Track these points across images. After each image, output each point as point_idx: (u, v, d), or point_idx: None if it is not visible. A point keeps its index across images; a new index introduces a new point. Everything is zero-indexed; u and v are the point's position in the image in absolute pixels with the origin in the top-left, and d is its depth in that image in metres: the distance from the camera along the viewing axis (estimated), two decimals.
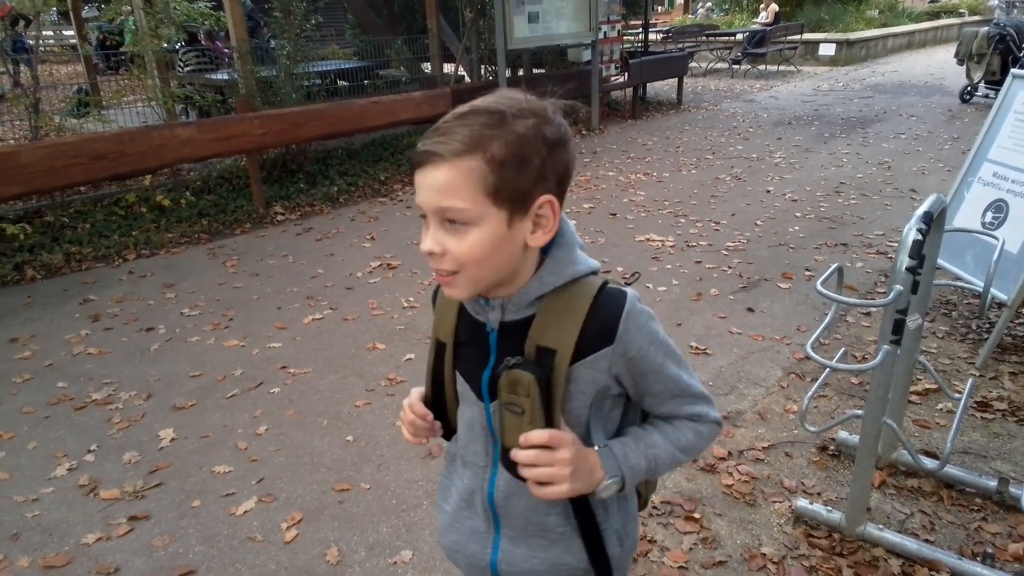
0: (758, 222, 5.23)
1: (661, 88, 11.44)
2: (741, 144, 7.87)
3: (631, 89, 9.77)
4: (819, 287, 1.86)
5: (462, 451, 1.02)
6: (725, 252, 4.65)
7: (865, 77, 12.90)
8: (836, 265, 2.02)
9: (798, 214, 5.39)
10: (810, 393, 2.24)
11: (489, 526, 1.01)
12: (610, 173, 6.82)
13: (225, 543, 2.20)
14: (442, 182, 0.82)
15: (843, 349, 2.50)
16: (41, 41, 16.89)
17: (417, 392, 1.03)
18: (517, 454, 0.88)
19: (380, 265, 4.63)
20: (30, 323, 3.85)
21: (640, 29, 11.35)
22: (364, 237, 5.20)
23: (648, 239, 4.94)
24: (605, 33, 8.66)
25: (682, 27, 14.91)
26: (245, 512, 2.33)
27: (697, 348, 3.39)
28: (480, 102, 0.86)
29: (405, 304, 4.01)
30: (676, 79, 10.49)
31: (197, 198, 5.81)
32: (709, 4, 28.74)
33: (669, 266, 4.44)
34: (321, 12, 7.53)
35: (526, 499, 0.95)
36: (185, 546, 2.19)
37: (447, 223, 0.83)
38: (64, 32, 17.27)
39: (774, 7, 14.47)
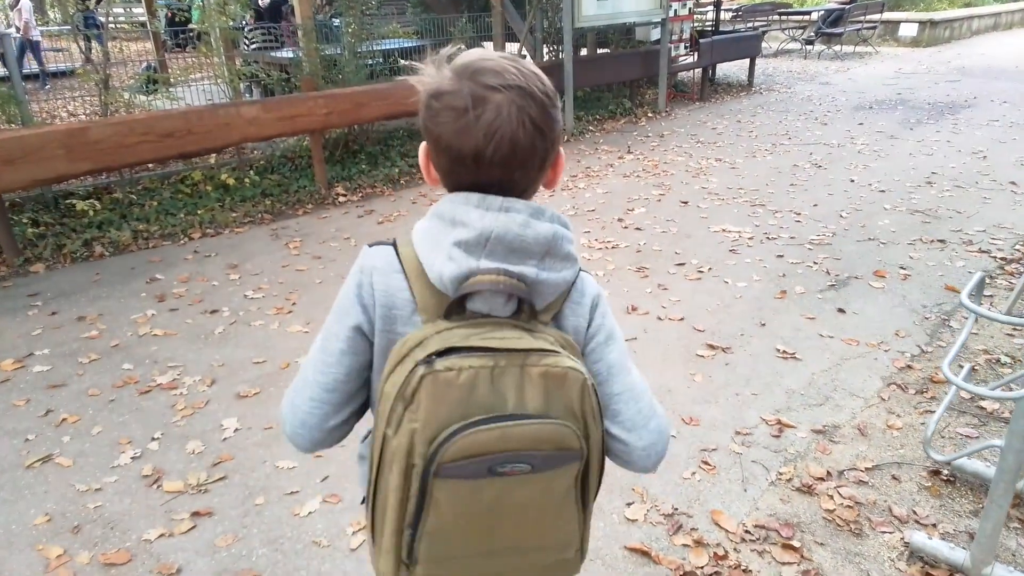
0: (843, 214, 4.89)
1: (730, 69, 10.97)
2: (819, 129, 7.44)
3: (700, 70, 9.37)
4: (965, 301, 1.62)
5: None
6: (809, 246, 4.35)
7: (950, 59, 12.13)
8: (979, 274, 1.76)
9: (887, 206, 5.02)
10: (935, 417, 1.99)
11: None
12: (679, 158, 6.53)
13: (289, 546, 2.10)
14: None
15: (967, 366, 2.24)
16: (111, 18, 17.34)
17: None
18: None
19: None
20: (98, 301, 3.85)
21: (710, 7, 10.87)
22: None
23: (724, 230, 4.66)
24: (676, 11, 8.29)
25: (752, 5, 14.28)
26: (310, 513, 2.23)
27: (785, 352, 3.14)
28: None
29: None
30: (748, 60, 10.01)
31: (260, 177, 5.77)
32: None
33: (748, 260, 4.17)
34: None
35: None
36: (248, 547, 2.10)
37: None
38: (134, 9, 17.65)
39: None
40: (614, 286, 3.87)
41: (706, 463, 2.43)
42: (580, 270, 0.93)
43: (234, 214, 5.19)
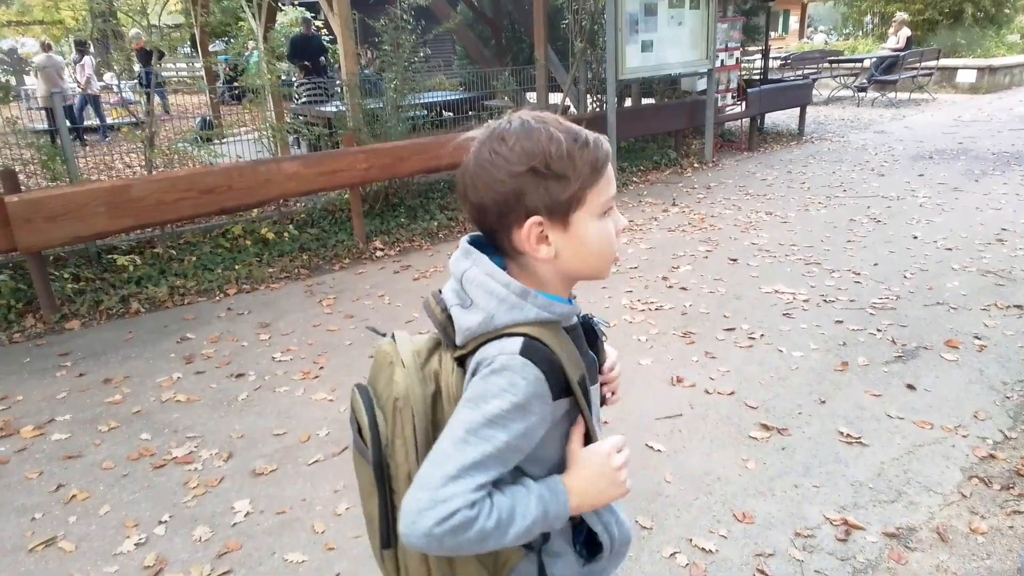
0: (907, 274, 4.56)
1: (779, 118, 10.72)
2: (876, 181, 7.11)
3: (748, 119, 9.16)
4: None
5: None
6: (871, 311, 4.04)
7: (1012, 107, 11.66)
8: None
9: (955, 266, 4.67)
10: None
11: None
12: (727, 211, 6.28)
13: None
14: None
15: None
16: (176, 73, 18.11)
17: (602, 444, 0.97)
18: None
19: None
20: (127, 362, 3.78)
21: (759, 55, 10.71)
22: None
23: (776, 290, 4.39)
24: (723, 61, 8.14)
25: (802, 53, 14.07)
26: None
27: (849, 436, 2.84)
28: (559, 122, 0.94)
29: None
30: (798, 108, 9.77)
31: (299, 231, 5.75)
32: (823, 28, 27.43)
33: (804, 325, 3.88)
34: (430, 43, 7.44)
35: None
36: None
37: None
38: (196, 64, 18.46)
39: (906, 31, 13.38)
40: (657, 353, 3.63)
41: (762, 572, 2.14)
42: (504, 333, 0.90)
43: (271, 269, 5.14)
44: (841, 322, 3.90)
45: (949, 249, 5.01)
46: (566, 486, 0.92)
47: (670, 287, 4.55)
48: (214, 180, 4.80)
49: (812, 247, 5.19)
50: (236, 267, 5.12)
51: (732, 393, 3.20)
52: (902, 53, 12.72)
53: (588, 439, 0.96)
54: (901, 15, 13.61)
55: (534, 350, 0.88)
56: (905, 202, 6.28)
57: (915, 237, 5.30)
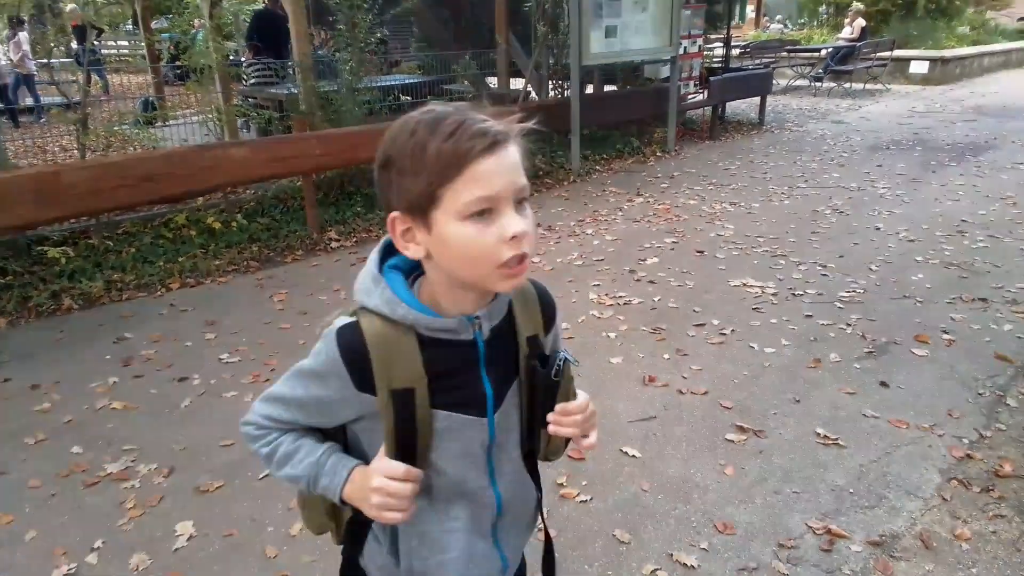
0: (872, 267, 4.53)
1: (739, 107, 10.71)
2: (837, 171, 7.13)
3: (710, 108, 9.11)
4: None
5: (452, 488, 0.99)
6: (840, 304, 3.98)
7: (964, 98, 11.90)
8: None
9: (919, 258, 4.66)
10: None
11: (491, 539, 1.05)
12: (691, 202, 6.20)
13: None
14: (516, 160, 0.85)
15: None
16: (117, 51, 17.25)
17: (384, 464, 0.93)
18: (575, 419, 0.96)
19: None
20: (57, 365, 3.48)
21: (719, 44, 10.67)
22: None
23: (744, 284, 4.31)
24: (685, 48, 8.04)
25: (760, 42, 14.13)
26: None
27: (826, 437, 2.75)
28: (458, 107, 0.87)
29: None
30: (759, 98, 9.77)
31: (249, 221, 5.44)
32: (780, 17, 27.72)
33: (774, 320, 3.80)
34: (387, 25, 7.15)
35: (519, 490, 1.06)
36: None
37: (518, 204, 0.85)
38: (140, 43, 17.59)
39: (861, 21, 13.54)
40: (627, 351, 3.50)
41: None
42: (342, 316, 0.94)
43: (218, 261, 4.85)
44: (811, 316, 3.84)
45: (912, 241, 5.01)
46: (351, 475, 0.95)
47: (638, 280, 4.43)
48: (153, 166, 4.48)
49: (778, 239, 5.13)
50: (179, 259, 4.80)
51: (706, 393, 3.09)
52: (857, 44, 12.86)
53: (409, 454, 0.94)
54: (857, 5, 13.77)
55: (347, 335, 0.90)
56: (866, 193, 6.30)
57: (878, 228, 5.29)
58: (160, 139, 6.02)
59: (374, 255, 0.94)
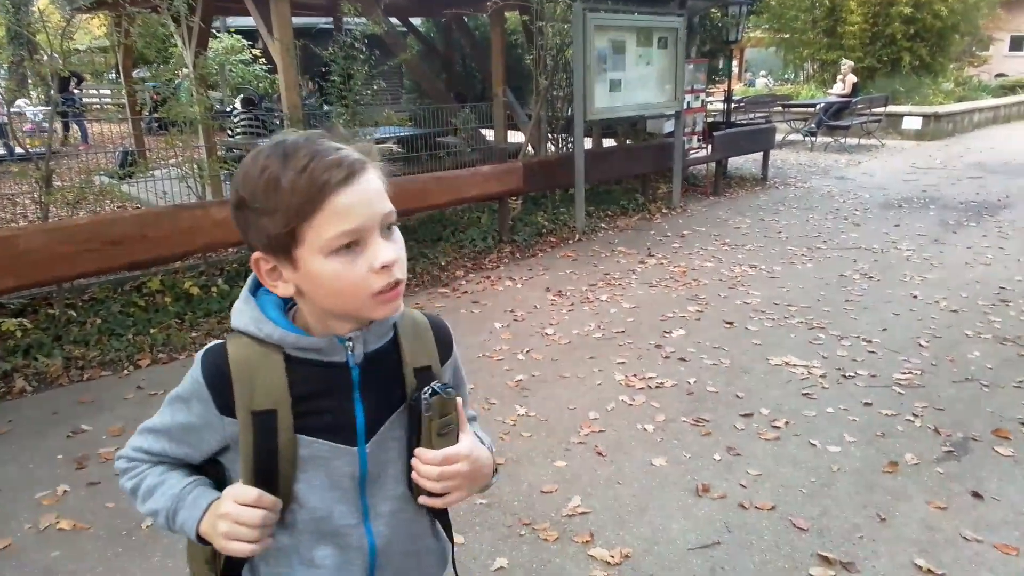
0: (922, 342, 4.13)
1: (738, 162, 10.49)
2: (854, 231, 6.80)
3: (713, 164, 8.84)
4: None
5: (316, 525, 0.92)
6: (899, 389, 3.55)
7: (961, 154, 11.80)
8: None
9: (968, 332, 4.27)
10: None
11: None
12: (708, 264, 5.81)
13: None
14: (379, 186, 0.84)
15: None
16: (99, 100, 16.90)
17: (235, 488, 0.87)
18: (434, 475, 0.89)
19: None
20: (0, 467, 2.94)
21: (717, 99, 10.51)
22: None
23: (787, 363, 3.87)
24: (688, 103, 7.80)
25: (755, 97, 14.09)
26: None
27: (929, 572, 2.27)
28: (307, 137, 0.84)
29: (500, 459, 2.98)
30: (761, 153, 9.54)
31: (231, 286, 4.94)
32: (763, 72, 28.19)
33: (830, 409, 3.35)
34: (378, 75, 6.81)
35: (403, 535, 0.97)
36: None
37: (385, 231, 0.84)
38: (122, 91, 17.23)
39: (852, 77, 13.54)
40: (670, 449, 3.02)
41: None
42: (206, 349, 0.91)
43: (195, 333, 4.33)
44: (870, 404, 3.39)
45: (955, 311, 4.62)
46: (208, 507, 0.89)
47: (667, 358, 3.97)
48: (123, 229, 4.00)
49: (810, 308, 4.73)
50: (151, 331, 4.28)
51: (773, 508, 2.61)
52: (852, 99, 12.82)
53: (270, 482, 0.88)
54: (847, 62, 13.80)
55: (212, 356, 0.89)
56: (890, 255, 5.95)
57: (915, 296, 4.91)
58: (130, 199, 5.55)
59: (250, 280, 0.92)
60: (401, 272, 0.84)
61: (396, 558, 0.97)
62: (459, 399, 0.92)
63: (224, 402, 0.87)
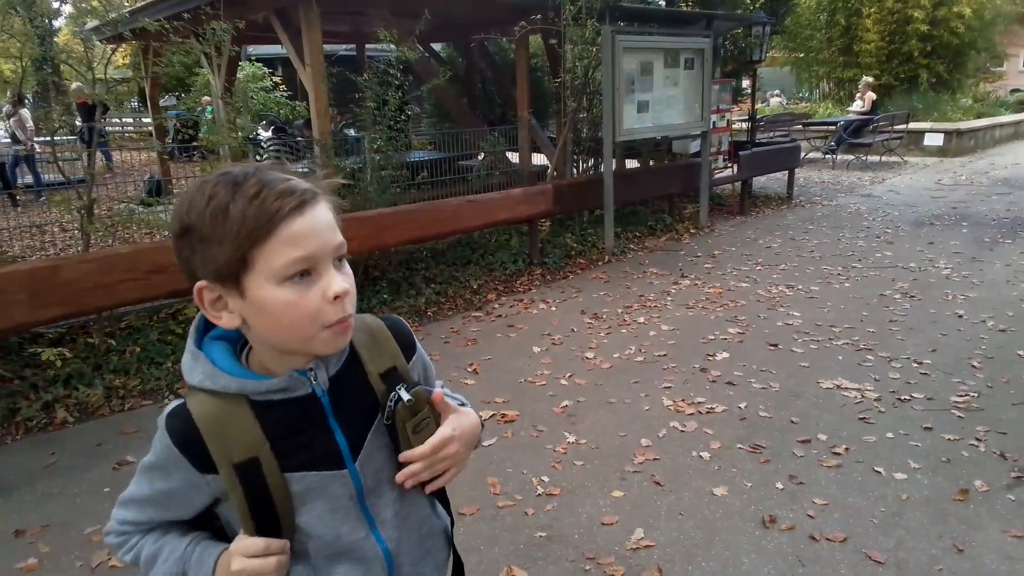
0: (974, 363, 4.02)
1: (762, 181, 10.43)
2: (888, 250, 6.71)
3: (738, 183, 8.79)
4: None
5: (328, 549, 0.92)
6: (958, 413, 3.45)
7: (987, 170, 11.69)
8: None
9: (1021, 352, 4.16)
10: None
11: None
12: (743, 284, 5.74)
13: None
14: (331, 218, 0.85)
15: None
16: (122, 128, 17.12)
17: (242, 543, 0.87)
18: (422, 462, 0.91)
19: (493, 416, 3.57)
20: (47, 501, 2.90)
21: (744, 117, 10.48)
22: (464, 369, 4.18)
23: (839, 386, 3.78)
24: (715, 123, 7.77)
25: (774, 116, 14.06)
26: None
27: None
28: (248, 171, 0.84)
29: (540, 489, 2.92)
30: (787, 172, 9.48)
31: None
32: (776, 91, 28.20)
33: (891, 435, 3.25)
34: (410, 101, 6.84)
35: (410, 529, 0.98)
36: None
37: (336, 262, 0.85)
38: (144, 119, 17.49)
39: (871, 95, 13.48)
40: (730, 478, 2.94)
41: None
42: (174, 401, 0.90)
43: None
44: (931, 429, 3.29)
45: (1003, 331, 4.51)
46: (217, 563, 0.88)
47: (713, 381, 3.90)
48: (166, 257, 3.98)
49: (854, 328, 4.64)
50: None
51: (845, 540, 2.52)
52: (872, 116, 12.76)
53: (271, 525, 0.88)
54: (867, 79, 13.76)
55: (176, 420, 0.86)
56: (929, 274, 5.85)
57: (960, 316, 4.81)
58: (167, 224, 5.56)
59: (192, 332, 0.91)
60: (352, 306, 0.85)
61: (409, 553, 0.99)
62: (428, 389, 0.95)
63: (202, 461, 0.85)
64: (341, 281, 0.83)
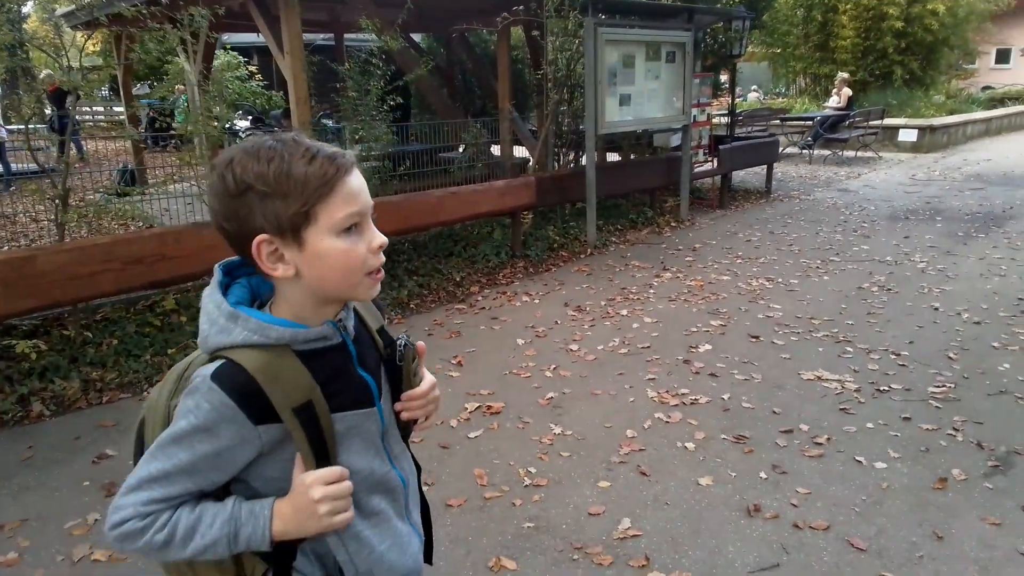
0: (950, 355, 4.11)
1: (741, 175, 10.52)
2: (865, 243, 6.81)
3: (718, 177, 8.86)
4: None
5: (365, 482, 1.02)
6: (935, 403, 3.52)
7: (959, 165, 11.90)
8: None
9: (995, 344, 4.25)
10: None
11: (406, 519, 1.11)
12: (724, 277, 5.79)
13: None
14: (363, 180, 0.96)
15: None
16: (92, 116, 16.75)
17: (314, 474, 0.95)
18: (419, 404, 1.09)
19: (479, 408, 3.58)
20: (24, 495, 2.84)
21: (723, 112, 10.56)
22: (449, 362, 4.17)
23: (819, 377, 3.83)
24: (695, 117, 7.81)
25: (752, 110, 14.18)
26: None
27: None
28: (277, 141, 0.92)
29: (527, 480, 2.92)
30: (765, 166, 9.57)
31: None
32: (754, 87, 28.43)
33: (871, 425, 3.31)
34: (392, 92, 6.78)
35: (408, 464, 1.14)
36: None
37: (369, 219, 0.95)
38: (115, 108, 17.12)
39: (847, 91, 13.65)
40: (714, 468, 2.97)
41: None
42: (215, 355, 0.93)
43: None
44: (909, 419, 3.36)
45: (978, 323, 4.61)
46: (275, 510, 0.94)
47: (696, 373, 3.93)
48: (143, 248, 3.93)
49: (833, 320, 4.70)
50: (168, 351, 4.20)
51: (828, 528, 2.56)
52: (848, 112, 12.92)
53: (327, 458, 0.96)
54: (843, 75, 13.92)
55: (227, 375, 0.90)
56: (905, 267, 5.95)
57: (936, 308, 4.90)
58: (143, 215, 5.48)
59: (215, 296, 0.96)
60: (383, 258, 0.97)
61: (412, 485, 1.14)
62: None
63: (259, 412, 0.91)
64: (380, 234, 0.95)
